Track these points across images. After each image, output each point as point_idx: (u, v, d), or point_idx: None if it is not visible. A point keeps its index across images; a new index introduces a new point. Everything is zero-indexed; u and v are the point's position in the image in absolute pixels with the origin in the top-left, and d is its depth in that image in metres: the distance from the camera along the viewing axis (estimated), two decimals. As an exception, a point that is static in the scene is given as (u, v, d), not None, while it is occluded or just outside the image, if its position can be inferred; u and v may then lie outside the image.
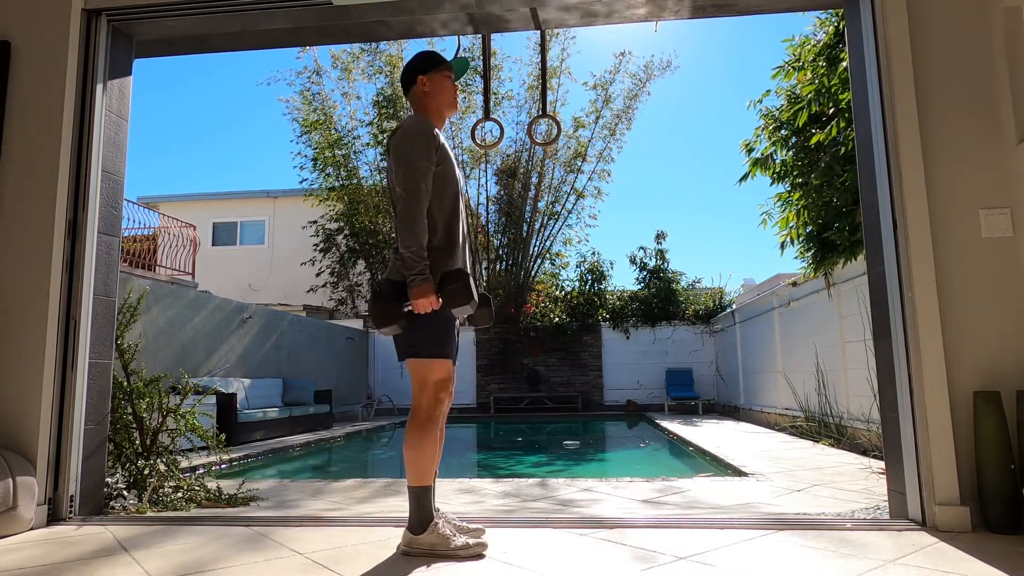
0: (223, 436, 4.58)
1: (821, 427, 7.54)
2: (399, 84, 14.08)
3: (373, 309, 2.46)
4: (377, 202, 15.73)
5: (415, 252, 2.36)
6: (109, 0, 3.58)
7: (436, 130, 2.57)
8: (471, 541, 2.48)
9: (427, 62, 2.69)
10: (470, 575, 2.26)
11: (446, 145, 2.60)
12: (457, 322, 2.62)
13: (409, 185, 2.42)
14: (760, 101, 6.96)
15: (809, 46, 6.27)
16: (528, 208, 16.16)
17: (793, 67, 6.42)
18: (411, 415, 2.51)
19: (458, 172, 2.65)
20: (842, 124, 5.67)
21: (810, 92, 5.99)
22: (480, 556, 2.45)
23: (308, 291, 17.07)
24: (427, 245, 2.43)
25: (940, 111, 3.06)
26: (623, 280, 33.99)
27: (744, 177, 7.14)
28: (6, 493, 2.87)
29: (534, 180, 16.09)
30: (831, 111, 5.90)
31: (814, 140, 6.03)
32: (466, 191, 15.87)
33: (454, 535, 2.48)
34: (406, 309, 2.42)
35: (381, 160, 15.95)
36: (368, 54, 15.52)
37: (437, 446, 2.52)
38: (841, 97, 5.78)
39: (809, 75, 6.20)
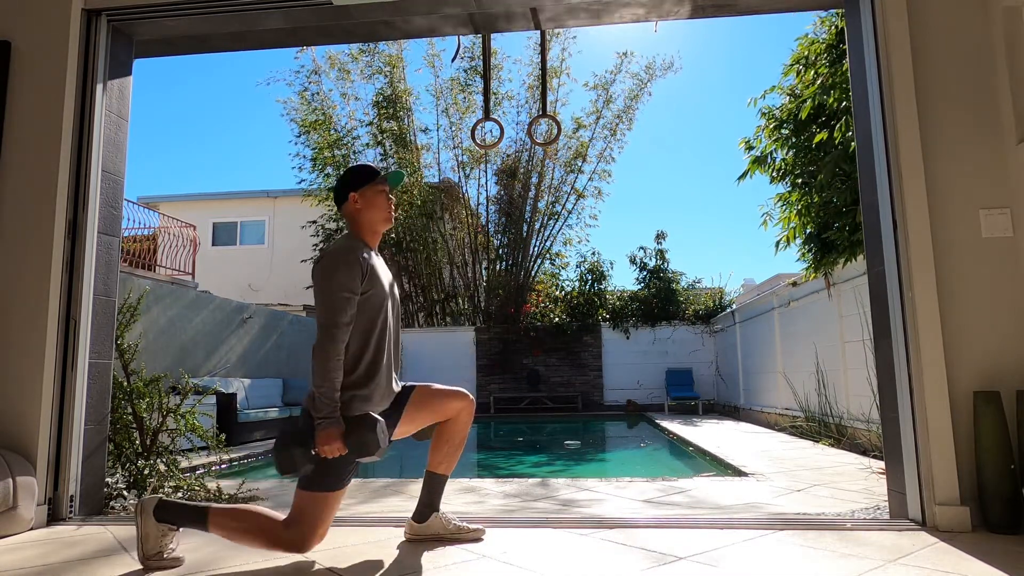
0: (223, 436, 4.58)
1: (821, 427, 7.54)
2: (398, 84, 13.94)
3: (278, 454, 2.31)
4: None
5: (325, 393, 2.27)
6: (109, 0, 3.58)
7: (365, 253, 2.45)
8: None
9: (359, 176, 2.58)
10: (470, 575, 2.26)
11: (378, 264, 2.51)
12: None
13: (327, 319, 2.32)
14: (762, 98, 6.97)
15: (816, 45, 6.27)
16: (528, 208, 16.16)
17: (803, 64, 6.41)
18: (268, 533, 2.35)
19: (391, 291, 2.56)
20: (850, 122, 5.66)
21: (814, 91, 5.98)
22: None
23: (308, 288, 17.05)
24: (345, 377, 2.35)
25: (940, 111, 3.06)
26: (623, 280, 34.04)
27: (743, 175, 7.14)
28: (6, 493, 2.87)
29: (534, 180, 16.09)
30: (836, 107, 5.89)
31: (817, 139, 6.02)
32: (466, 193, 15.96)
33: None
34: (313, 453, 2.30)
35: (380, 160, 15.95)
36: (367, 55, 15.52)
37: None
38: (844, 96, 5.78)
39: (812, 75, 6.20)
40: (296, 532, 2.34)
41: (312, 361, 2.32)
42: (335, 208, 16.13)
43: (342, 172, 2.65)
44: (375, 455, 2.32)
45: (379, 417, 2.37)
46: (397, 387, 2.59)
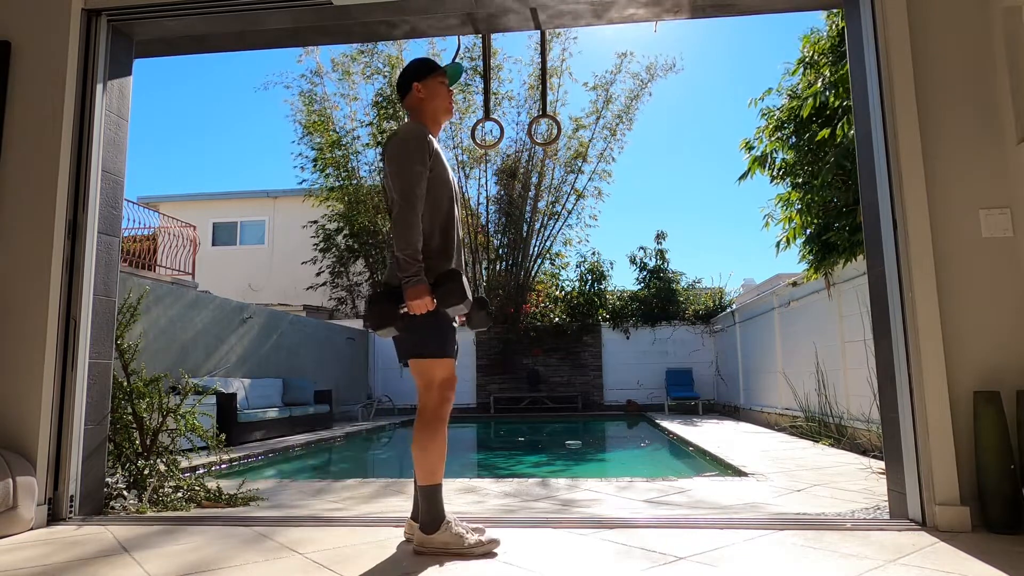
0: (223, 436, 4.58)
1: (821, 427, 7.54)
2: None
3: (369, 311, 2.49)
4: (377, 202, 15.74)
5: (410, 255, 2.40)
6: (109, 0, 3.58)
7: (430, 136, 2.61)
8: (483, 539, 2.51)
9: (421, 69, 2.73)
10: (470, 575, 2.26)
11: (440, 150, 2.64)
12: (455, 322, 2.63)
13: (404, 190, 2.45)
14: (762, 99, 6.97)
15: (820, 44, 6.26)
16: (528, 208, 16.15)
17: (806, 64, 6.41)
18: (419, 414, 2.53)
19: (453, 176, 2.68)
20: (851, 120, 5.66)
21: (817, 88, 5.98)
22: (492, 555, 2.47)
23: (307, 288, 17.07)
24: (422, 248, 2.46)
25: (940, 111, 3.06)
26: (623, 280, 34.01)
27: (744, 175, 7.14)
28: (6, 493, 2.87)
29: (534, 180, 16.09)
30: (838, 106, 5.88)
31: (819, 136, 6.01)
32: (466, 193, 15.96)
33: (467, 533, 2.50)
34: (402, 311, 2.45)
35: (380, 160, 15.94)
36: (366, 55, 15.52)
37: (445, 445, 2.55)
38: (845, 95, 5.78)
39: (814, 73, 6.20)
40: (430, 397, 2.50)
41: (392, 230, 2.45)
42: (335, 207, 16.18)
43: (405, 65, 2.80)
44: (462, 305, 2.44)
45: (460, 271, 2.50)
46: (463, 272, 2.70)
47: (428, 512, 2.48)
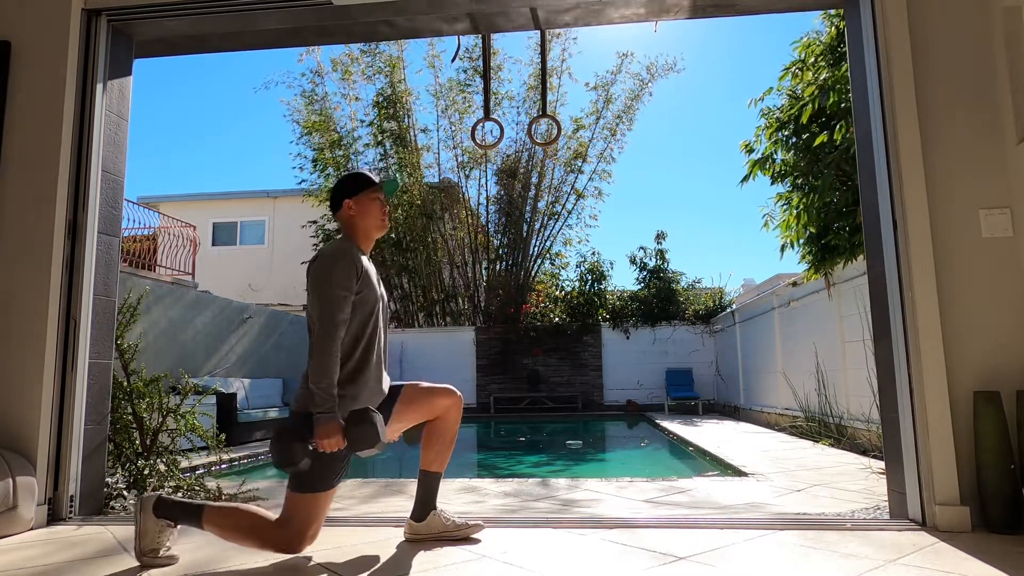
0: (223, 436, 4.58)
1: (821, 427, 7.54)
2: (399, 84, 13.90)
3: (276, 447, 2.33)
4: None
5: (324, 388, 2.30)
6: (109, 0, 3.58)
7: (360, 254, 2.51)
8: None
9: (352, 185, 2.62)
10: (470, 575, 2.26)
11: (370, 269, 2.55)
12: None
13: (323, 315, 2.36)
14: (762, 99, 6.97)
15: (814, 46, 6.27)
16: (528, 208, 16.15)
17: (800, 68, 6.42)
18: (275, 526, 2.39)
19: (381, 291, 2.60)
20: (849, 123, 5.66)
21: (813, 92, 5.99)
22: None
23: (306, 288, 17.06)
24: (340, 369, 2.38)
25: (940, 111, 3.06)
26: (623, 280, 34.03)
27: (745, 178, 7.14)
28: (6, 493, 2.87)
29: (534, 180, 16.08)
30: (836, 109, 5.89)
31: (818, 141, 6.02)
32: (466, 192, 15.97)
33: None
34: (311, 447, 2.33)
35: (380, 161, 15.96)
36: (368, 55, 15.53)
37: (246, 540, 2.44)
38: (845, 96, 5.78)
39: (811, 76, 6.20)
40: (288, 532, 2.38)
41: (309, 359, 2.35)
42: (334, 209, 16.18)
43: (338, 178, 2.68)
44: (375, 448, 2.35)
45: (376, 411, 2.40)
46: (386, 388, 2.60)
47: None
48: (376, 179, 2.67)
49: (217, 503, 2.50)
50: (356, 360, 2.46)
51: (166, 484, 3.92)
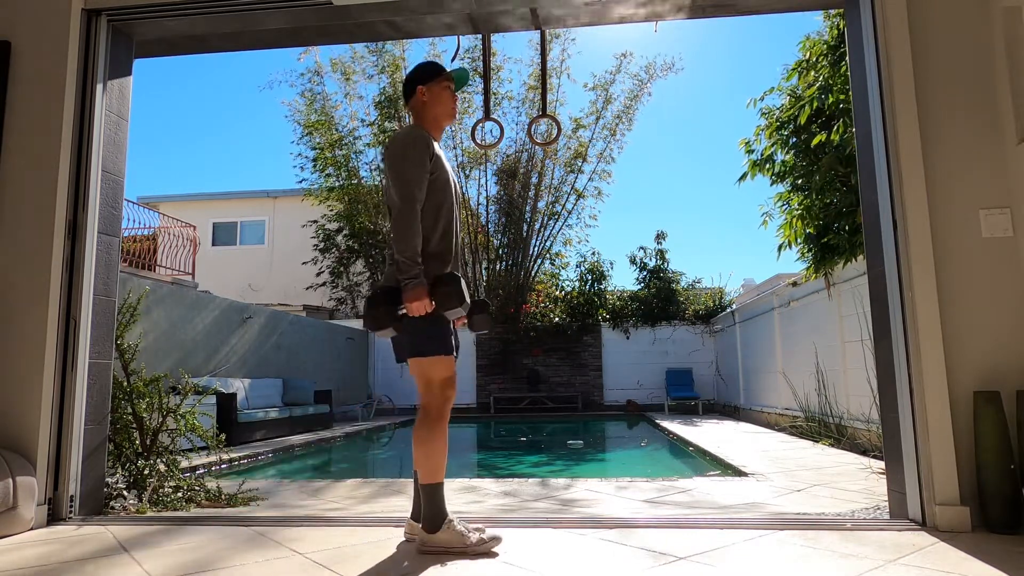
0: (223, 436, 4.58)
1: (821, 427, 7.54)
2: (400, 85, 13.95)
3: (368, 313, 2.51)
4: (377, 202, 15.74)
5: (409, 257, 2.42)
6: (109, 0, 3.58)
7: (432, 139, 2.62)
8: (484, 537, 2.53)
9: (426, 73, 2.74)
10: (470, 575, 2.26)
11: (441, 154, 2.66)
12: (453, 323, 2.64)
13: (403, 193, 2.47)
14: (761, 99, 6.97)
15: (817, 46, 6.28)
16: (528, 208, 16.16)
17: (805, 67, 6.42)
18: (421, 413, 2.55)
19: (453, 179, 2.70)
20: (847, 124, 5.67)
21: (813, 92, 5.99)
22: (493, 553, 2.48)
23: (307, 288, 17.08)
24: (421, 251, 2.48)
25: (940, 111, 3.06)
26: (623, 280, 34.03)
27: (743, 177, 7.15)
28: (6, 493, 2.87)
29: (534, 180, 16.09)
30: (835, 110, 5.89)
31: (816, 141, 6.03)
32: (466, 192, 15.97)
33: (468, 532, 2.51)
34: (400, 312, 2.47)
35: (381, 160, 15.94)
36: (373, 54, 15.53)
37: (446, 443, 2.56)
38: (843, 97, 5.78)
39: (812, 76, 6.20)
40: (431, 396, 2.53)
41: (392, 232, 2.47)
42: (335, 207, 16.19)
43: (411, 69, 2.82)
44: (460, 308, 2.46)
45: (459, 275, 2.52)
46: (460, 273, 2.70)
47: (429, 510, 2.50)
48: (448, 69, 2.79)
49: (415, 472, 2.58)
50: (440, 233, 2.57)
51: (166, 484, 3.92)
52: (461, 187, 2.75)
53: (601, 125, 15.81)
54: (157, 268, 13.14)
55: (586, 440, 10.12)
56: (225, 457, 6.21)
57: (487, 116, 4.46)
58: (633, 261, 16.32)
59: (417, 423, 2.54)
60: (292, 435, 9.41)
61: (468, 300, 2.49)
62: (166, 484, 3.91)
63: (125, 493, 3.71)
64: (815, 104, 5.94)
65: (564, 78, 15.60)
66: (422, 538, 2.52)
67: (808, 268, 7.38)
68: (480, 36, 4.15)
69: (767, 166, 6.90)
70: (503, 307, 15.67)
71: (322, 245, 16.70)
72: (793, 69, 6.56)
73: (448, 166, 2.68)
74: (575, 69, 29.46)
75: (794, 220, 6.72)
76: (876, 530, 2.80)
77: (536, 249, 16.33)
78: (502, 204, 16.24)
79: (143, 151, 31.28)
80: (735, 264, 36.25)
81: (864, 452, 6.05)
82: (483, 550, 2.48)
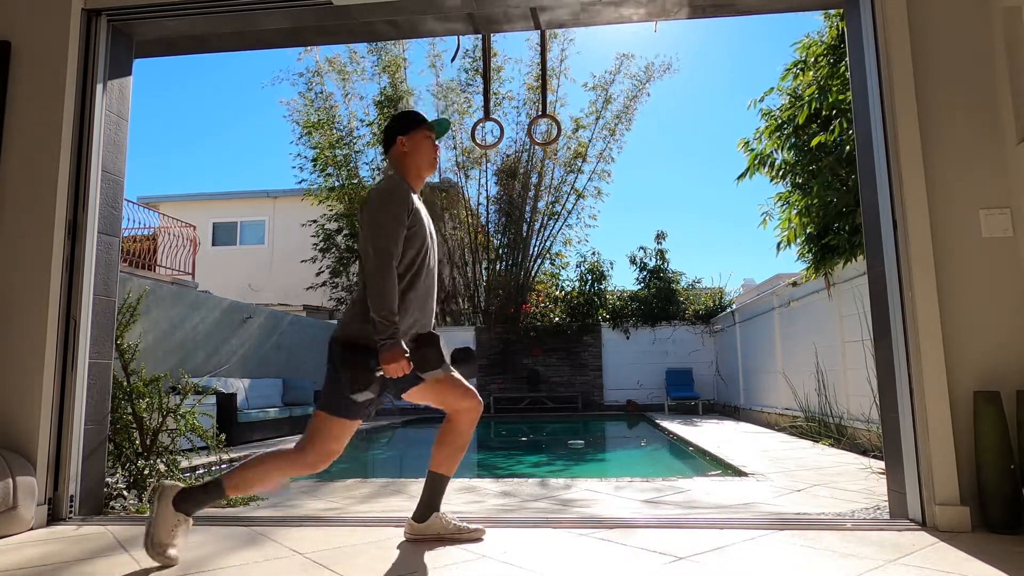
0: (223, 436, 4.58)
1: (821, 427, 7.54)
2: (400, 85, 13.89)
3: (345, 376, 2.37)
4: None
5: (385, 316, 2.35)
6: (109, 0, 3.58)
7: (412, 192, 2.58)
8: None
9: (406, 123, 2.69)
10: (470, 575, 2.26)
11: (421, 207, 2.60)
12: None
13: (379, 248, 2.41)
14: (761, 100, 6.97)
15: (815, 47, 6.29)
16: (528, 208, 16.15)
17: (800, 68, 6.44)
18: (296, 452, 2.48)
19: (431, 231, 2.65)
20: (844, 125, 5.67)
21: (813, 92, 6.00)
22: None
23: (307, 288, 17.08)
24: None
25: (940, 111, 3.06)
26: (623, 280, 34.02)
27: (742, 175, 7.15)
28: (6, 493, 2.87)
29: (534, 180, 16.09)
30: (832, 112, 5.90)
31: (815, 141, 6.03)
32: (466, 193, 15.96)
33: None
34: (377, 374, 2.37)
35: (382, 160, 15.94)
36: (373, 54, 15.53)
37: (280, 480, 2.54)
38: (842, 97, 5.79)
39: (811, 75, 6.21)
40: (311, 450, 2.47)
41: (368, 289, 2.40)
42: (335, 207, 16.18)
43: (391, 117, 2.78)
44: (439, 369, 2.39)
45: (438, 334, 2.46)
46: (430, 321, 2.64)
47: (197, 506, 2.49)
48: (428, 119, 2.73)
49: (231, 469, 2.53)
50: (403, 287, 2.51)
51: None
52: (435, 241, 2.69)
53: (601, 125, 15.81)
54: (157, 268, 13.14)
55: (586, 440, 10.12)
56: (225, 457, 6.20)
57: (487, 116, 4.47)
58: (633, 261, 16.32)
59: (283, 454, 2.49)
60: (292, 435, 9.41)
61: (447, 360, 2.41)
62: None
63: (125, 493, 3.71)
64: (814, 105, 5.94)
65: (564, 78, 15.61)
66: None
67: (808, 268, 7.38)
68: (480, 36, 4.15)
69: (767, 164, 6.91)
70: (503, 307, 15.66)
71: (322, 245, 16.69)
72: (788, 70, 6.57)
73: (427, 220, 2.63)
74: (575, 69, 29.50)
75: (793, 216, 6.72)
76: (876, 530, 2.80)
77: (536, 249, 16.33)
78: (502, 204, 16.23)
79: (143, 151, 31.29)
80: (735, 264, 36.29)
81: (864, 452, 6.05)
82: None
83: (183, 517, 2.43)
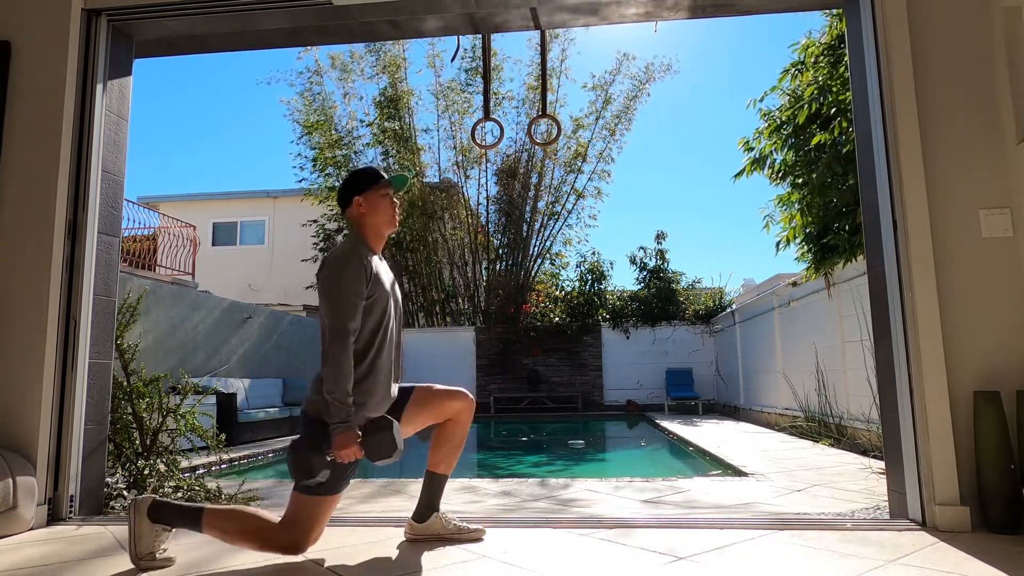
0: (223, 436, 4.57)
1: (821, 427, 7.54)
2: (399, 85, 13.87)
3: (294, 462, 2.32)
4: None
5: (339, 399, 2.26)
6: (109, 0, 3.58)
7: (371, 256, 2.47)
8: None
9: (362, 181, 2.55)
10: (470, 575, 2.26)
11: (381, 269, 2.50)
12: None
13: (335, 323, 2.30)
14: (761, 100, 6.97)
15: (813, 48, 6.29)
16: (528, 208, 16.16)
17: (798, 69, 6.45)
18: (279, 529, 2.37)
19: (393, 292, 2.55)
20: (844, 124, 5.67)
21: (812, 92, 6.01)
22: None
23: (307, 288, 17.07)
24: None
25: (940, 111, 3.06)
26: (623, 280, 34.04)
27: (740, 173, 7.16)
28: (6, 493, 2.87)
29: (534, 180, 16.10)
30: (832, 112, 5.91)
31: (815, 140, 6.04)
32: (465, 193, 15.96)
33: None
34: (329, 459, 2.30)
35: (382, 160, 15.95)
36: (372, 54, 15.53)
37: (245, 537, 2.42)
38: (842, 98, 5.79)
39: (811, 75, 6.21)
40: (292, 534, 2.36)
41: (323, 367, 2.31)
42: (336, 207, 16.16)
43: (346, 176, 2.65)
44: (392, 457, 2.30)
45: (393, 419, 2.36)
46: (395, 393, 2.57)
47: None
48: (385, 175, 2.60)
49: (216, 506, 2.47)
50: (366, 366, 2.40)
51: (166, 484, 3.91)
52: (397, 303, 2.61)
53: (601, 125, 15.83)
54: (157, 268, 13.13)
55: (586, 440, 10.12)
56: (225, 457, 6.21)
57: (487, 116, 4.47)
58: (633, 261, 16.32)
59: (267, 527, 2.37)
60: (292, 435, 9.41)
61: (401, 447, 2.31)
62: (166, 484, 3.91)
63: (125, 493, 3.71)
64: (814, 106, 5.95)
65: (564, 78, 15.62)
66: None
67: (808, 268, 7.38)
68: (480, 36, 4.15)
69: (766, 164, 6.91)
70: (503, 307, 15.66)
71: (322, 245, 16.70)
72: (785, 71, 6.58)
73: (388, 283, 2.51)
74: (575, 69, 29.49)
75: (794, 214, 6.72)
76: (876, 530, 2.80)
77: (536, 249, 16.34)
78: (502, 204, 16.24)
79: (143, 151, 31.29)
80: (735, 264, 36.31)
81: (864, 452, 6.05)
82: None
83: (161, 528, 2.39)
